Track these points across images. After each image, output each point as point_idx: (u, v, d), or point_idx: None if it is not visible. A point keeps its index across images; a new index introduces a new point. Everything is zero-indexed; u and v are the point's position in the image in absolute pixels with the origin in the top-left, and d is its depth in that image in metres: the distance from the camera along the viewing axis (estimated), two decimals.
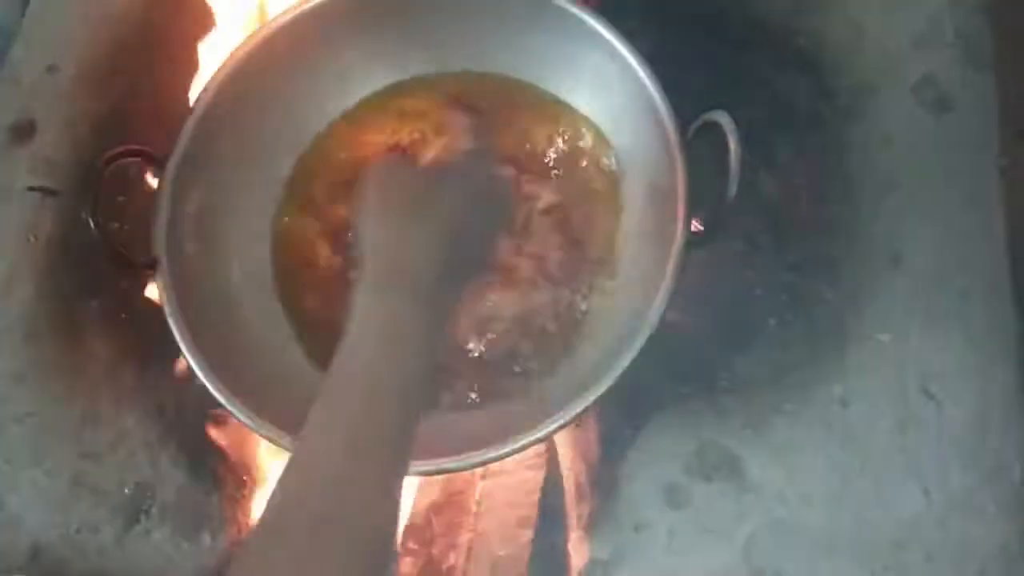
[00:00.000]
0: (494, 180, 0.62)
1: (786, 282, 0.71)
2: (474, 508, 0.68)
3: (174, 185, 0.64)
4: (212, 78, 0.66)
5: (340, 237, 0.69)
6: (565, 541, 0.67)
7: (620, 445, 0.68)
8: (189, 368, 0.60)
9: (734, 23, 0.78)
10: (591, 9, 0.64)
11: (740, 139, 0.56)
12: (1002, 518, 0.63)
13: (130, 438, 0.72)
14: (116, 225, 0.67)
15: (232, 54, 0.67)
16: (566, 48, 0.66)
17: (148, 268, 0.62)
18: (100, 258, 0.61)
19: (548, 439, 0.62)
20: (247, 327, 0.66)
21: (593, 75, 0.66)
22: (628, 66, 0.62)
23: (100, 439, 0.72)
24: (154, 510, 0.70)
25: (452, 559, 0.67)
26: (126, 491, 0.71)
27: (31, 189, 0.78)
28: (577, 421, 0.58)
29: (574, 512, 0.68)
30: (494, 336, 0.65)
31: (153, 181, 0.65)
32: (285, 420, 0.57)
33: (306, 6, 0.67)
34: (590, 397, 0.56)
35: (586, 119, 0.69)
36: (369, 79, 0.72)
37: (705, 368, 0.69)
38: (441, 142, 0.64)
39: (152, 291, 0.70)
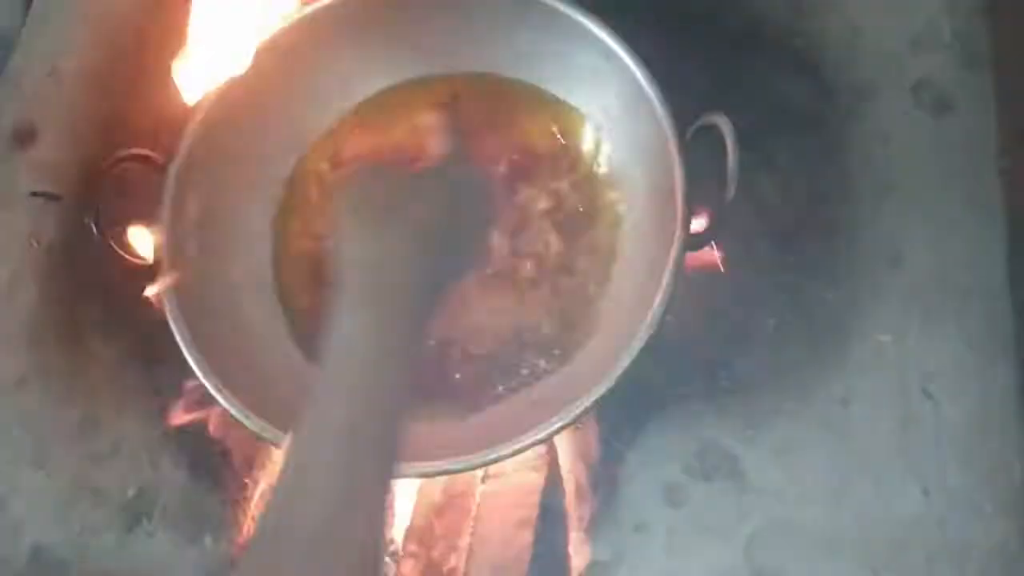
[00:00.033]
0: (475, 179, 0.61)
1: (786, 282, 0.71)
2: (475, 510, 0.68)
3: (176, 188, 0.64)
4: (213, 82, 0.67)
5: None
6: (566, 542, 0.67)
7: (620, 446, 0.68)
8: (190, 370, 0.60)
9: (733, 25, 0.78)
10: (590, 11, 0.64)
11: (738, 140, 0.56)
12: (1001, 518, 0.63)
13: (132, 440, 0.72)
14: (118, 229, 0.67)
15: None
16: (565, 50, 0.66)
17: (149, 271, 0.62)
18: (102, 262, 0.61)
19: (549, 440, 0.62)
20: (248, 328, 0.66)
21: (592, 77, 0.66)
22: (626, 67, 0.62)
23: (102, 441, 0.72)
24: (155, 512, 0.70)
25: (453, 561, 0.67)
26: (128, 493, 0.71)
27: (33, 195, 0.78)
28: (578, 422, 0.58)
29: (574, 513, 0.68)
30: (495, 337, 0.65)
31: (155, 184, 0.65)
32: (286, 421, 0.57)
33: (307, 10, 0.67)
34: (591, 398, 0.56)
35: (585, 120, 0.69)
36: (369, 81, 0.72)
37: (705, 368, 0.69)
38: (425, 144, 0.64)
39: (153, 294, 0.71)
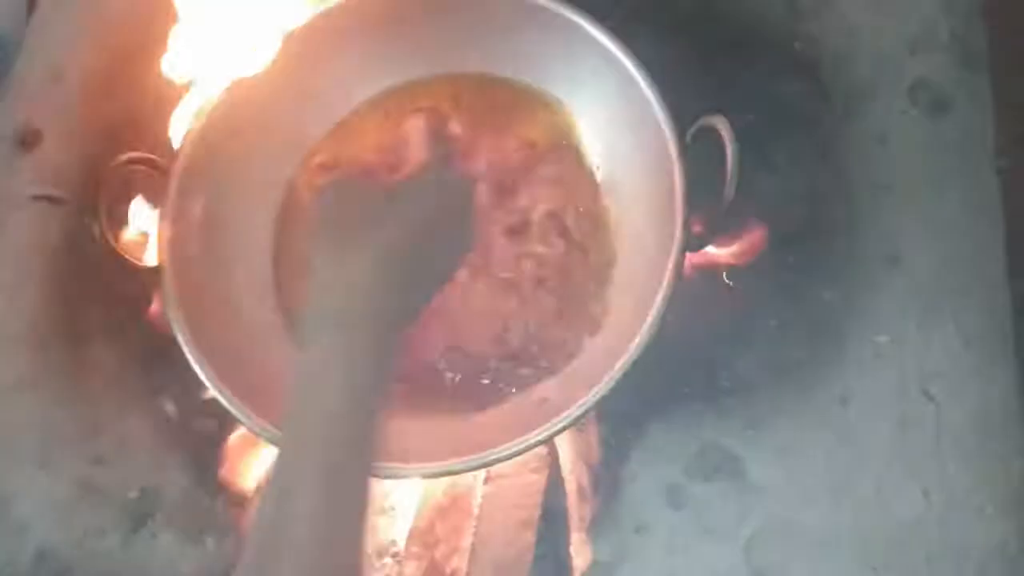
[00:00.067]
0: (456, 190, 0.61)
1: (786, 282, 0.71)
2: (476, 511, 0.68)
3: (178, 191, 0.65)
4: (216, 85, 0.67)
5: None
6: (567, 543, 0.67)
7: (621, 446, 0.69)
8: (193, 372, 0.60)
9: (731, 26, 0.78)
10: (589, 14, 0.64)
11: (737, 141, 0.56)
12: (1001, 518, 0.64)
13: (135, 442, 0.72)
14: (121, 232, 0.68)
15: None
16: (564, 53, 0.67)
17: (152, 274, 0.63)
18: (105, 265, 0.61)
19: (550, 441, 0.62)
20: (250, 331, 0.66)
21: (591, 79, 0.67)
22: (625, 70, 0.62)
23: (105, 444, 0.72)
24: (159, 514, 0.70)
25: (455, 562, 0.67)
26: (131, 495, 0.71)
27: (37, 198, 0.78)
28: (579, 423, 0.58)
29: (576, 514, 0.68)
30: (495, 339, 0.65)
31: (157, 187, 0.65)
32: None
33: (310, 13, 0.68)
34: (592, 398, 0.56)
35: (584, 122, 0.69)
36: (370, 81, 0.72)
37: (705, 368, 0.69)
38: (409, 151, 0.65)
39: (156, 296, 0.71)
